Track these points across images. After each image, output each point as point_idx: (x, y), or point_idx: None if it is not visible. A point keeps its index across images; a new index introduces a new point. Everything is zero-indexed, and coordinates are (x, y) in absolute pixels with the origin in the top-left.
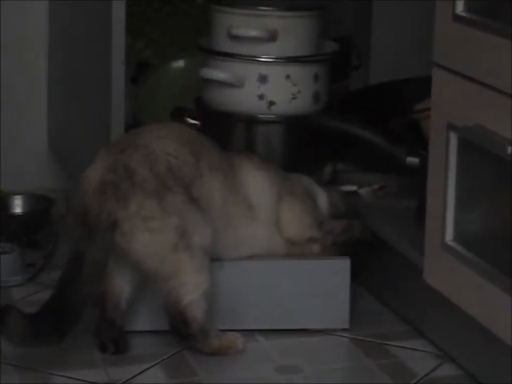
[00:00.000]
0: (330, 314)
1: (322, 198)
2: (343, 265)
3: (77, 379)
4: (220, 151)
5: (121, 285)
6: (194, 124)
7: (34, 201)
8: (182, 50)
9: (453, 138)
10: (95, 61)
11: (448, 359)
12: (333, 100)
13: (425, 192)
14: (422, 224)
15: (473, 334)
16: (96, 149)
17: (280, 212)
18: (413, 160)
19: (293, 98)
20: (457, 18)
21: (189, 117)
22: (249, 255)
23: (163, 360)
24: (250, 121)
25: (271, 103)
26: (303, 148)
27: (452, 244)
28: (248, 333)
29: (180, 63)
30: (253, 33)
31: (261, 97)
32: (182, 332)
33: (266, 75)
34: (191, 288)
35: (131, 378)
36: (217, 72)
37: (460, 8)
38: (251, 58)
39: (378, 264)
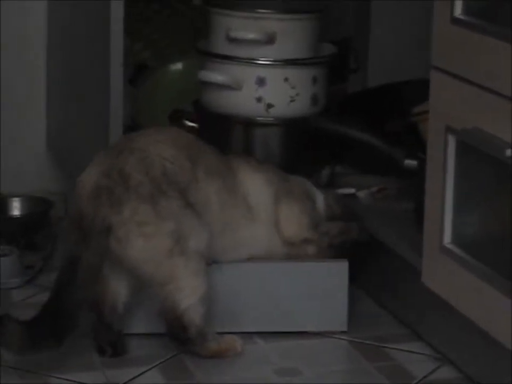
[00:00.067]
0: (328, 317)
1: (320, 200)
2: (341, 268)
3: (76, 381)
4: (217, 155)
5: (118, 288)
6: (193, 127)
7: (33, 203)
8: (180, 52)
9: (451, 141)
10: (94, 61)
11: (447, 362)
12: (331, 103)
13: (423, 195)
14: (420, 227)
15: (472, 336)
16: (94, 150)
17: (279, 213)
18: (411, 162)
19: (291, 101)
20: (455, 20)
21: (187, 119)
22: (248, 257)
23: (161, 362)
24: (249, 123)
25: (269, 106)
26: (301, 150)
27: (450, 246)
28: (247, 335)
29: (178, 66)
30: (251, 35)
31: (259, 99)
32: (180, 337)
33: (264, 78)
34: (188, 293)
35: (129, 380)
36: (216, 75)
37: (458, 10)
38: (249, 61)
39: (376, 266)
